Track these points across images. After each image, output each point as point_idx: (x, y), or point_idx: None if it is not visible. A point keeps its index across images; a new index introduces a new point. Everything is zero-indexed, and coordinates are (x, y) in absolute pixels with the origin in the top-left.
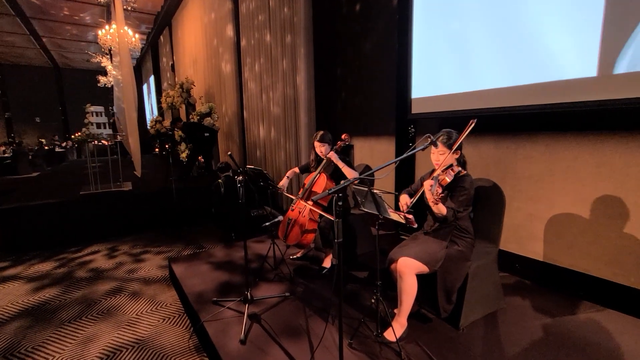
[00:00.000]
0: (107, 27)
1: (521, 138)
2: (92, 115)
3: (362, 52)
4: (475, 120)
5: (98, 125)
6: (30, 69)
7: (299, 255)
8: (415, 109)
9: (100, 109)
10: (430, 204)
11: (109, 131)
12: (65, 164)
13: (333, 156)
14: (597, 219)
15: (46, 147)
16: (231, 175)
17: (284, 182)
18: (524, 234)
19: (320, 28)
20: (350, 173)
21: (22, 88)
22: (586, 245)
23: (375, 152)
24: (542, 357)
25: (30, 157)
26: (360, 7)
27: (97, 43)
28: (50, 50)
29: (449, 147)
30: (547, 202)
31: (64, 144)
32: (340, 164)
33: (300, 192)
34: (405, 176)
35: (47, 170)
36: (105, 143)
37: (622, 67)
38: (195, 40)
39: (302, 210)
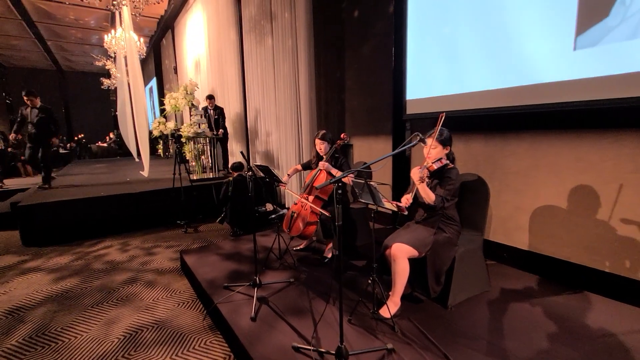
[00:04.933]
0: (112, 31)
1: (508, 136)
2: (195, 117)
3: (361, 55)
4: (444, 114)
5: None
6: (34, 72)
7: (302, 246)
8: (410, 110)
9: (200, 112)
10: (417, 182)
11: (206, 130)
12: (71, 165)
13: (325, 166)
14: (576, 210)
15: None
16: (243, 174)
17: (285, 180)
18: (511, 225)
19: (321, 32)
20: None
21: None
22: (566, 234)
23: (374, 151)
24: (521, 331)
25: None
26: (358, 13)
27: (102, 46)
28: (55, 54)
29: (441, 142)
30: (531, 195)
31: (68, 146)
32: (334, 171)
33: (302, 187)
34: (402, 171)
35: (53, 171)
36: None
37: (593, 71)
38: (198, 43)
39: (305, 204)
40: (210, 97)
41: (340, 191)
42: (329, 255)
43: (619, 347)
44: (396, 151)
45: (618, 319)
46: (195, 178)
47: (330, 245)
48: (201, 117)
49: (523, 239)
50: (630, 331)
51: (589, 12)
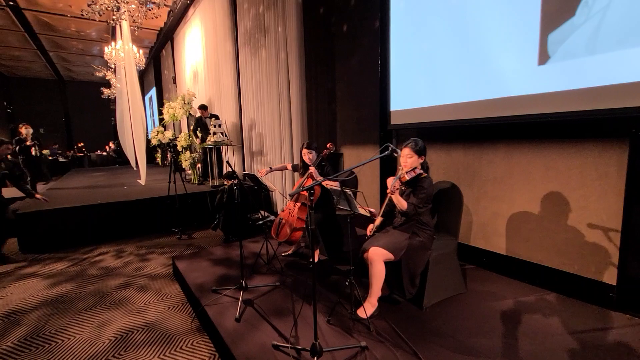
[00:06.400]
0: (112, 43)
1: (485, 145)
2: (215, 127)
3: (350, 67)
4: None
5: (214, 134)
6: (35, 82)
7: (290, 252)
8: (395, 120)
9: (219, 121)
10: (388, 192)
11: (225, 138)
12: (70, 173)
13: (314, 172)
14: (547, 215)
15: (50, 158)
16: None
17: (263, 172)
18: (490, 230)
19: (312, 45)
20: (329, 183)
21: (28, 100)
22: (539, 238)
23: (362, 160)
24: (491, 330)
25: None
26: (347, 27)
27: (102, 57)
28: (56, 64)
29: (416, 152)
30: (508, 201)
31: (69, 153)
32: (319, 178)
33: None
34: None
35: (52, 179)
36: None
37: (556, 85)
38: (196, 55)
39: (292, 210)
40: (203, 107)
41: (312, 197)
42: (316, 260)
43: (581, 344)
44: (367, 161)
45: (582, 318)
46: (212, 184)
47: (318, 250)
48: (219, 126)
49: (501, 244)
50: (593, 329)
51: (552, 20)
